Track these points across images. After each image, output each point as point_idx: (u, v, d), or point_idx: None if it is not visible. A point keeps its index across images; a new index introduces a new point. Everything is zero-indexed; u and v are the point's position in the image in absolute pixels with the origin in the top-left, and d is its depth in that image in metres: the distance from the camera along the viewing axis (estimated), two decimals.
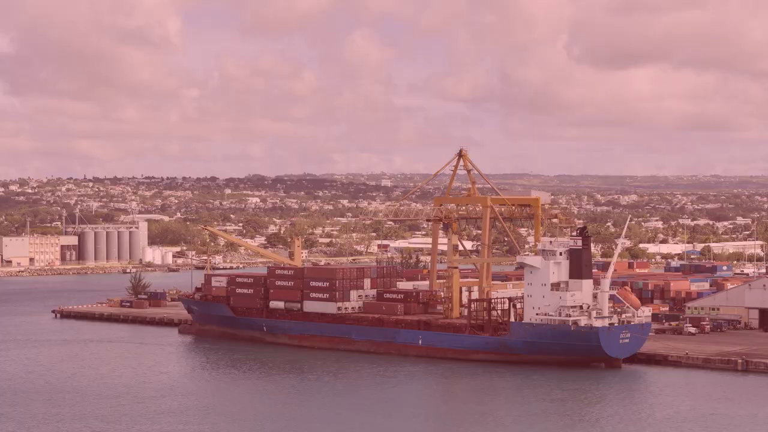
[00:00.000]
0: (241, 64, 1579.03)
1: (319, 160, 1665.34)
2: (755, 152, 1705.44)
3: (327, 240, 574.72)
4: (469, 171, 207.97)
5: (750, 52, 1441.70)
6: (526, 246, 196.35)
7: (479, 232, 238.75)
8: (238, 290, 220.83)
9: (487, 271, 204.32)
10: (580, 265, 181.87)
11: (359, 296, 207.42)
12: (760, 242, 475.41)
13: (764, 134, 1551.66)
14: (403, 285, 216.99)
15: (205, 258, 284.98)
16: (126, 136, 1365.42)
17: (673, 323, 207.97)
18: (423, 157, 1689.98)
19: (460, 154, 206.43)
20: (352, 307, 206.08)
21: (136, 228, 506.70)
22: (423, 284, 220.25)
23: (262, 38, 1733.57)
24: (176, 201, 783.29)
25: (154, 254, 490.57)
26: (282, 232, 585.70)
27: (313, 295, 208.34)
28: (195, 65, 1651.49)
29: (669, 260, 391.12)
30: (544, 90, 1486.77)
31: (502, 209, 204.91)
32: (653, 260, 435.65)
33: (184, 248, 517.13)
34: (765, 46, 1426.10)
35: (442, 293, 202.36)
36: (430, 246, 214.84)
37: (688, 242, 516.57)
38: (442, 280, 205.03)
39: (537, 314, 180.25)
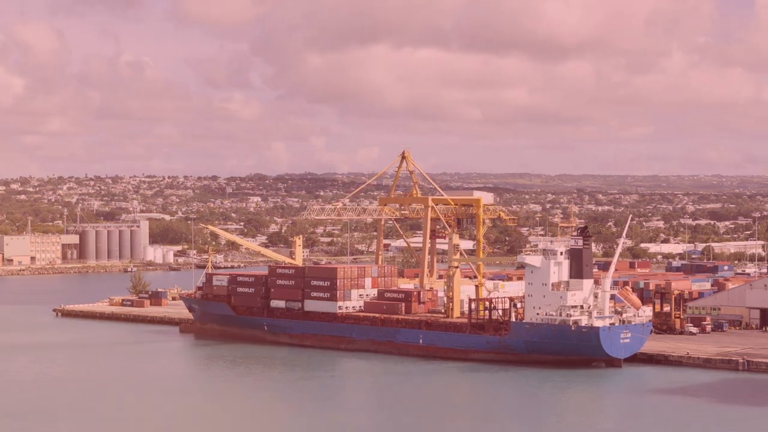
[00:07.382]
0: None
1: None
2: (630, 151, 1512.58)
3: (328, 239, 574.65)
4: (411, 172, 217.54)
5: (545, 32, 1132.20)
6: (527, 245, 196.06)
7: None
8: (239, 289, 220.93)
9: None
10: (580, 265, 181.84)
11: (360, 295, 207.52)
12: (762, 242, 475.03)
13: (624, 132, 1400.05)
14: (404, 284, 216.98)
15: (206, 257, 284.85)
16: None
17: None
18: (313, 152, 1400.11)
19: (403, 156, 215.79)
20: (353, 307, 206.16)
21: (138, 227, 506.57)
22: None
23: None
24: (177, 200, 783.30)
25: (155, 253, 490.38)
26: (283, 231, 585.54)
27: (314, 294, 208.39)
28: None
29: (670, 260, 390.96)
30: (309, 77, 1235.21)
31: (445, 209, 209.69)
32: (654, 260, 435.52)
33: (186, 247, 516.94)
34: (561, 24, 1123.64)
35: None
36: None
37: (689, 242, 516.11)
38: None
39: (537, 314, 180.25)
